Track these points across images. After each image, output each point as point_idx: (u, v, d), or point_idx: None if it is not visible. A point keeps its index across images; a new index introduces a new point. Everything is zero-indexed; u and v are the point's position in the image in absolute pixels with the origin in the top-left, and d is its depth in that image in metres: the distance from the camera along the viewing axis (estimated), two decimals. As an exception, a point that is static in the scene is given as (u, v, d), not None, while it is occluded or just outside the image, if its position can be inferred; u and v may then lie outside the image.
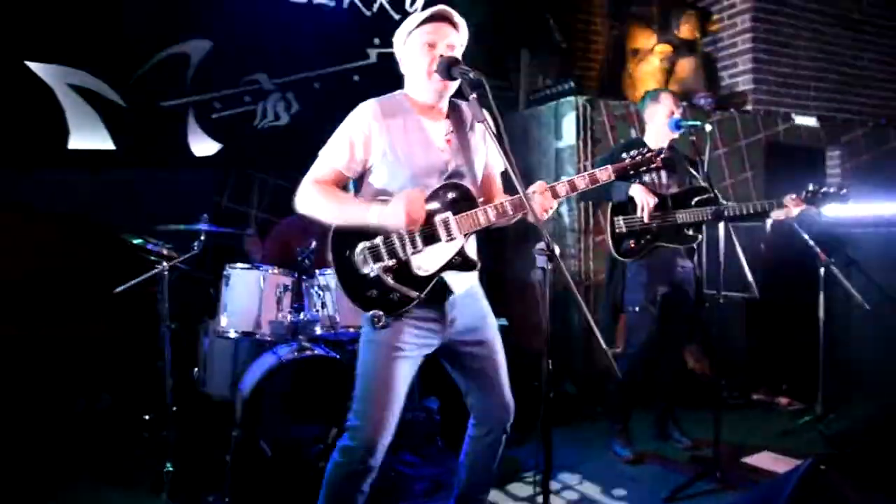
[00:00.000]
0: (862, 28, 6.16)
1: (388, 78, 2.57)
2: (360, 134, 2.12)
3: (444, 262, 2.12)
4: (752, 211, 3.41)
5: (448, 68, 2.06)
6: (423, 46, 2.11)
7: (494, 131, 2.01)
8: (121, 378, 4.02)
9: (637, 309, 3.56)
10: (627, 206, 3.54)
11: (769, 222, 3.52)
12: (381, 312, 2.08)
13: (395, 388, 2.12)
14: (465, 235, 2.13)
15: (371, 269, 2.10)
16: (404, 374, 2.15)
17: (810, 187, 3.39)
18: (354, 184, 2.29)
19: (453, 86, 2.14)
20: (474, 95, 1.98)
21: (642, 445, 3.73)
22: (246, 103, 4.67)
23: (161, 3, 4.38)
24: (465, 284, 2.23)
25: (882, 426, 3.73)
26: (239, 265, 3.47)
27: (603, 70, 6.03)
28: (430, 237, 2.11)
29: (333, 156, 2.15)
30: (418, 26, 2.12)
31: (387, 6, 5.06)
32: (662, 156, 2.30)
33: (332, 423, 3.16)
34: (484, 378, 2.29)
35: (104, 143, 4.26)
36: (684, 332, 3.73)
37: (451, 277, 2.16)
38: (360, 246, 2.11)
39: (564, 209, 4.73)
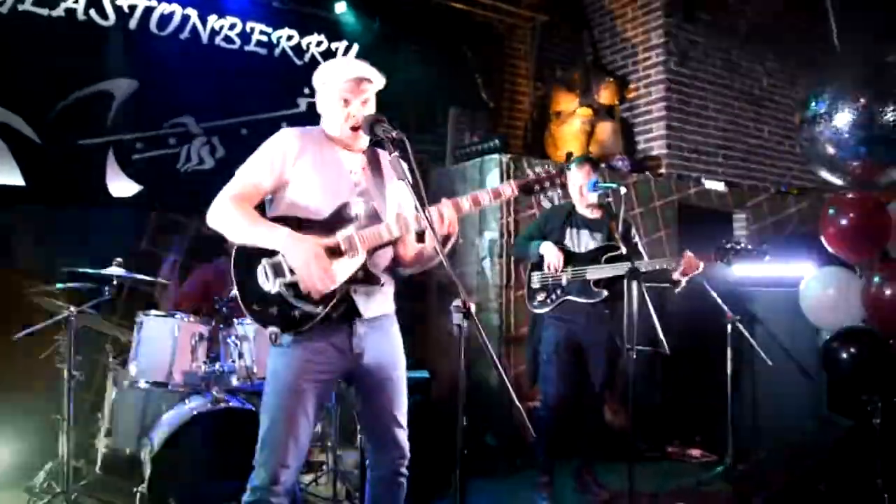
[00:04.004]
0: (763, 103, 6.70)
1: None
2: (279, 151, 2.18)
3: (347, 277, 2.11)
4: (659, 267, 3.56)
5: (371, 127, 2.15)
6: (339, 101, 2.24)
7: (413, 190, 2.01)
8: (18, 431, 3.74)
9: (545, 357, 3.69)
10: (542, 263, 3.69)
11: (678, 290, 3.66)
12: (277, 329, 2.07)
13: (297, 419, 2.11)
14: (367, 252, 2.14)
15: (273, 284, 2.07)
16: (307, 403, 2.13)
17: (724, 243, 3.51)
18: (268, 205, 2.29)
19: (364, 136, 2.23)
20: (396, 153, 2.04)
21: (560, 497, 3.76)
22: (170, 146, 4.59)
23: (87, 41, 4.30)
24: (375, 310, 2.22)
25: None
26: (153, 312, 3.36)
27: (527, 130, 6.28)
28: (333, 252, 2.10)
29: (251, 171, 2.18)
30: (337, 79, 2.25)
31: (318, 57, 5.13)
32: (564, 173, 2.36)
33: (245, 480, 3.04)
34: (383, 416, 2.27)
35: (13, 178, 4.07)
36: (601, 386, 3.81)
37: (359, 298, 2.17)
38: (263, 262, 2.08)
39: (487, 264, 4.83)
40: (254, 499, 2.12)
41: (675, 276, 3.54)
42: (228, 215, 2.12)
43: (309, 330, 2.09)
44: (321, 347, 2.14)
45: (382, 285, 2.23)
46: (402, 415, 2.29)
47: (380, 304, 2.25)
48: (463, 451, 1.96)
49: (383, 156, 2.33)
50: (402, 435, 2.29)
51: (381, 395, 2.26)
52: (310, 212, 2.16)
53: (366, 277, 2.16)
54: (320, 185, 2.18)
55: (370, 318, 2.21)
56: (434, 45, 5.59)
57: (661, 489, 3.98)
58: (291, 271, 2.06)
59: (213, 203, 2.15)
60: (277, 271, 2.07)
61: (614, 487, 3.82)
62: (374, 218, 2.18)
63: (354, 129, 2.22)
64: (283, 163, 2.17)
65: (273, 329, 2.07)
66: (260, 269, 2.08)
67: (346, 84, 2.23)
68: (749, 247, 3.51)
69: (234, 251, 2.13)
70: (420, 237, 2.27)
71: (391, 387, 2.27)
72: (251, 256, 2.10)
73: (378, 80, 2.28)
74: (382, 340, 2.27)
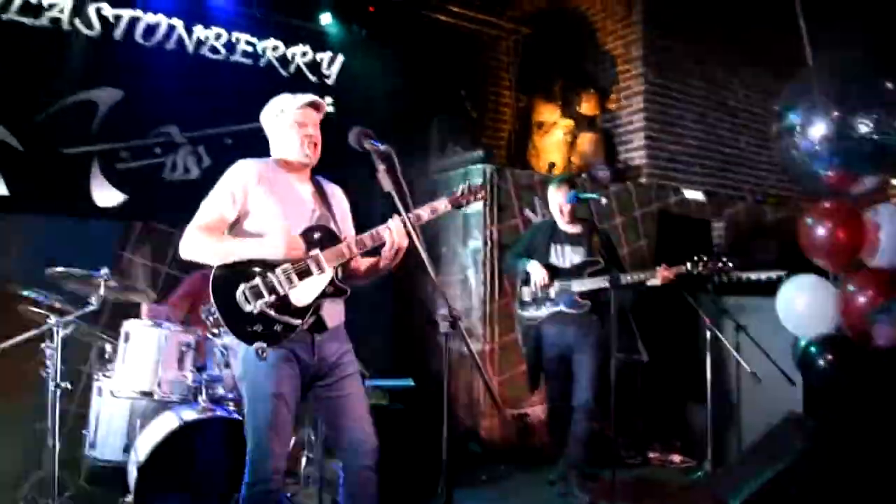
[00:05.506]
0: (739, 114, 6.84)
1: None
2: (240, 182, 2.39)
3: (319, 293, 2.37)
4: (636, 279, 3.75)
5: (359, 140, 2.29)
6: (293, 125, 2.47)
7: (400, 202, 2.21)
8: (2, 441, 3.71)
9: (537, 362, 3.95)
10: (531, 279, 3.89)
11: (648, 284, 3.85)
12: (264, 344, 2.26)
13: (281, 418, 2.33)
14: (333, 267, 2.39)
15: (254, 306, 2.27)
16: (287, 403, 2.34)
17: (698, 259, 3.72)
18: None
19: (316, 158, 2.50)
20: (384, 167, 2.17)
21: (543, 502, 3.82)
22: (155, 155, 4.59)
23: (71, 50, 4.29)
24: (335, 319, 2.48)
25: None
26: (139, 321, 3.36)
27: (510, 140, 6.36)
28: (304, 272, 2.34)
29: (217, 204, 2.39)
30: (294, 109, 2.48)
31: (304, 69, 5.16)
32: (486, 189, 2.66)
33: (232, 489, 3.05)
34: (345, 414, 2.45)
35: (-3, 187, 4.06)
36: (592, 394, 3.83)
37: (324, 311, 2.41)
38: (241, 287, 2.28)
39: (471, 273, 4.88)
40: (248, 493, 2.31)
41: (650, 283, 3.76)
42: (200, 243, 2.33)
43: (287, 342, 2.31)
44: (292, 356, 2.37)
45: (348, 296, 2.47)
46: (363, 410, 2.49)
47: (337, 315, 2.50)
48: (449, 459, 2.01)
49: (325, 184, 2.60)
50: (368, 429, 2.46)
51: (343, 391, 2.46)
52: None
53: (335, 290, 2.41)
54: (281, 213, 2.38)
55: (330, 328, 2.45)
56: (418, 57, 5.64)
57: (643, 495, 4.05)
58: (270, 291, 2.28)
59: (184, 236, 2.35)
60: (257, 294, 2.28)
61: (596, 492, 3.88)
62: (334, 240, 2.42)
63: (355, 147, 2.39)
64: (244, 193, 2.38)
65: (259, 344, 2.25)
66: (239, 294, 2.27)
67: (301, 110, 2.47)
68: (724, 260, 3.71)
69: (212, 279, 2.29)
70: (374, 252, 2.48)
71: (350, 383, 2.49)
72: (229, 283, 2.28)
73: (324, 108, 2.52)
74: (337, 344, 2.50)
